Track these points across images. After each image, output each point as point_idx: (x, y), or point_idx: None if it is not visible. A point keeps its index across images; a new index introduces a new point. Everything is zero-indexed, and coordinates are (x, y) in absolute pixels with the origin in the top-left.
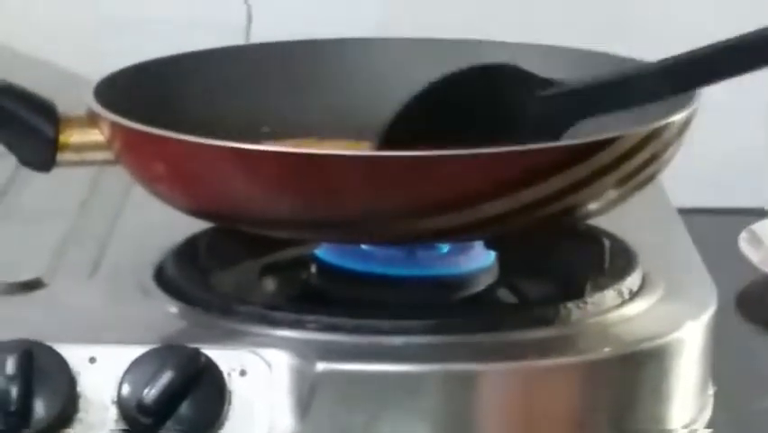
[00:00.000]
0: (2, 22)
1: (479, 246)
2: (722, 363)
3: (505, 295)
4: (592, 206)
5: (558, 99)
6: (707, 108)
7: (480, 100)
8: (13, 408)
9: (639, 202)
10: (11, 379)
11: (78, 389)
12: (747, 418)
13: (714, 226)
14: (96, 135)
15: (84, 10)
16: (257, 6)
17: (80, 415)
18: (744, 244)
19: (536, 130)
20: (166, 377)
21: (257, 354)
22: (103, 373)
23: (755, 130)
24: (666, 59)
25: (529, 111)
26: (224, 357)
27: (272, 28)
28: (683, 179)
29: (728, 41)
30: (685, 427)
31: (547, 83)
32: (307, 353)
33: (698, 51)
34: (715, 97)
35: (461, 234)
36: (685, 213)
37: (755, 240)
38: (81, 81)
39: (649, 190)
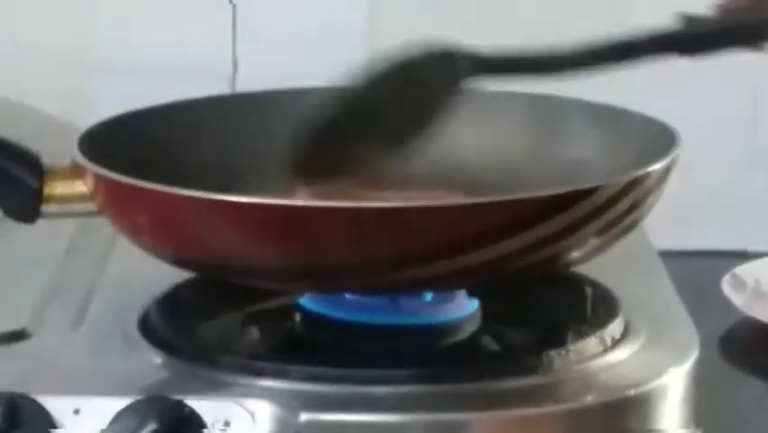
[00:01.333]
0: None
1: (461, 295)
2: (705, 407)
3: (488, 343)
4: (574, 254)
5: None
6: (688, 150)
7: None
8: None
9: (620, 245)
10: None
11: None
12: None
13: (696, 269)
14: (80, 187)
15: (70, 58)
16: (243, 55)
17: None
18: (727, 287)
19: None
20: (149, 428)
21: (240, 405)
22: (87, 425)
23: (737, 172)
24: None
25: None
26: (207, 408)
27: (259, 75)
28: (665, 222)
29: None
30: None
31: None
32: (291, 403)
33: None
34: (697, 140)
35: (444, 284)
36: (667, 256)
37: (739, 283)
38: (67, 129)
39: (630, 234)
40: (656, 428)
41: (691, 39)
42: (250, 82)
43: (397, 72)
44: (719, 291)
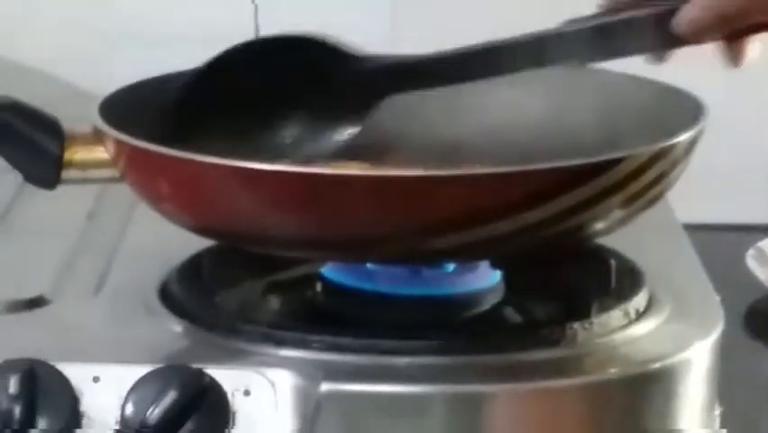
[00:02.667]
0: (8, 36)
1: (484, 266)
2: (729, 382)
3: (510, 315)
4: (599, 226)
5: (377, 72)
6: (714, 124)
7: (285, 71)
8: (16, 427)
9: (645, 219)
10: (14, 398)
11: (82, 408)
12: None
13: (721, 243)
14: (101, 153)
15: (91, 25)
16: (264, 20)
17: None
18: (751, 261)
19: (349, 100)
20: (170, 397)
21: (261, 374)
22: (106, 393)
23: (763, 145)
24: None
25: (341, 82)
26: (227, 377)
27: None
28: (690, 195)
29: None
30: None
31: (357, 57)
32: (312, 373)
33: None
34: (723, 113)
35: (467, 254)
36: (692, 229)
37: (763, 257)
38: (87, 96)
39: (655, 207)
40: (680, 402)
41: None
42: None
43: (248, 51)
44: (744, 265)
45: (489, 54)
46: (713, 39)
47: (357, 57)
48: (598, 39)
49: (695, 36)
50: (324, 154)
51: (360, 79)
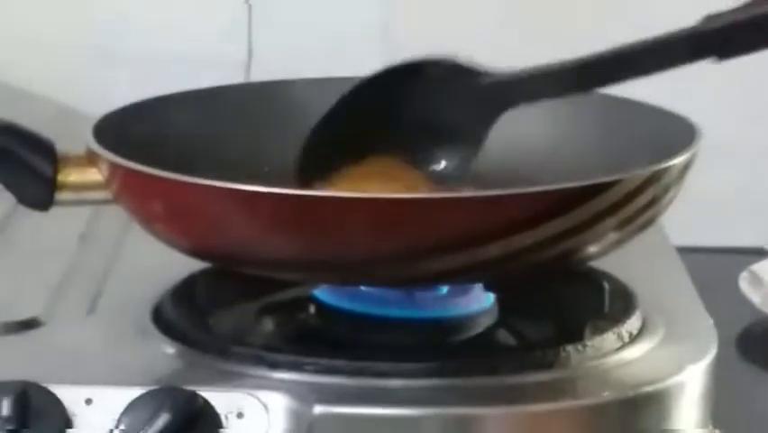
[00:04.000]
0: (3, 58)
1: (478, 288)
2: (722, 405)
3: (504, 337)
4: (592, 249)
5: (485, 90)
6: (707, 147)
7: (403, 100)
8: None
9: (638, 242)
10: (6, 420)
11: (74, 430)
12: None
13: (714, 266)
14: (94, 175)
15: (86, 46)
16: (258, 43)
17: None
18: (744, 284)
19: (463, 122)
20: (162, 419)
21: (254, 397)
22: (99, 415)
23: (756, 169)
24: (586, 56)
25: (455, 104)
26: (221, 399)
27: (273, 63)
28: (683, 218)
29: (645, 40)
30: None
31: (474, 73)
32: (305, 395)
33: (616, 49)
34: (716, 137)
35: (460, 277)
36: (684, 252)
37: (756, 280)
38: (80, 119)
39: (649, 230)
40: (673, 427)
41: (715, 37)
42: (265, 71)
43: (399, 75)
44: (737, 289)
45: (609, 62)
46: None
47: (476, 73)
48: (736, 36)
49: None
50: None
51: (477, 97)
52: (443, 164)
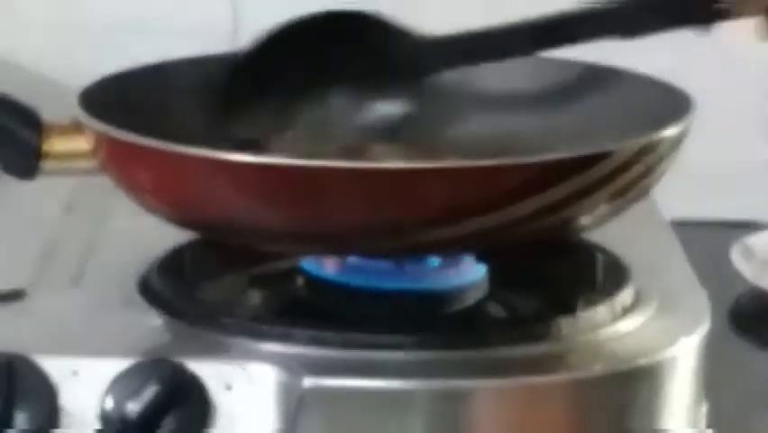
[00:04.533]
0: None
1: (469, 260)
2: (714, 378)
3: (495, 310)
4: (584, 220)
5: (424, 48)
6: (700, 120)
7: (335, 46)
8: None
9: (631, 214)
10: None
11: (60, 403)
12: None
13: (706, 239)
14: (80, 143)
15: (69, 16)
16: (243, 12)
17: (62, 429)
18: (736, 257)
19: (397, 75)
20: (150, 391)
21: (242, 369)
22: (85, 387)
23: (749, 142)
24: (535, 18)
25: (388, 58)
26: (209, 371)
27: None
28: (675, 191)
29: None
30: None
31: (405, 33)
32: (294, 367)
33: (566, 13)
34: (709, 109)
35: (452, 248)
36: (677, 225)
37: (748, 253)
38: (66, 88)
39: (642, 202)
40: (666, 398)
41: (623, 16)
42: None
43: (292, 30)
44: (728, 261)
45: (541, 28)
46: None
47: (405, 33)
48: (653, 10)
49: (739, 12)
50: (372, 134)
51: (408, 56)
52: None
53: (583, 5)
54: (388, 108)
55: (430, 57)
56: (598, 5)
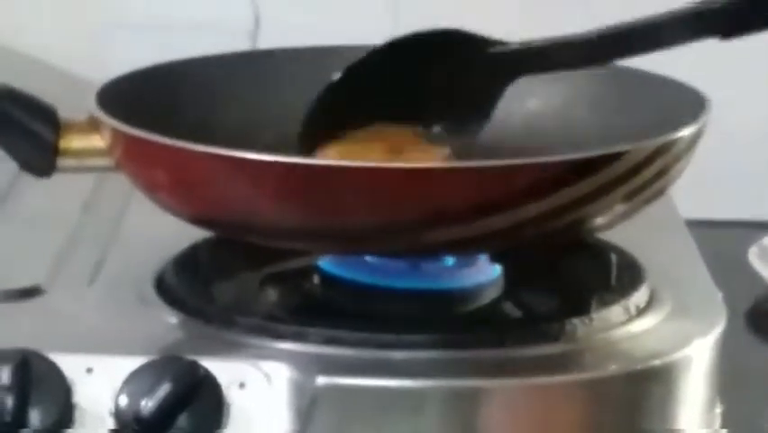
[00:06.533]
0: (5, 23)
1: (484, 259)
2: (729, 380)
3: (510, 309)
4: (600, 220)
5: (500, 58)
6: (718, 119)
7: (411, 71)
8: (7, 418)
9: (647, 214)
10: (6, 389)
11: (75, 400)
12: None
13: (723, 239)
14: (97, 141)
15: (88, 13)
16: (264, 10)
17: (76, 426)
18: (753, 258)
19: (470, 92)
20: (164, 389)
21: (256, 367)
22: (100, 384)
23: (766, 142)
24: (603, 29)
25: (468, 72)
26: (223, 369)
27: (280, 32)
28: (692, 191)
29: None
30: None
31: (482, 42)
32: (308, 366)
33: (637, 22)
34: (727, 108)
35: (467, 248)
36: (694, 225)
37: (766, 254)
38: (84, 85)
39: (657, 202)
40: (679, 399)
41: (725, 15)
42: (272, 39)
43: (408, 45)
44: (746, 262)
45: (623, 35)
46: None
47: (485, 43)
48: (725, 16)
49: None
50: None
51: (486, 66)
52: (448, 133)
53: (664, 13)
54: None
55: (513, 66)
56: (679, 11)
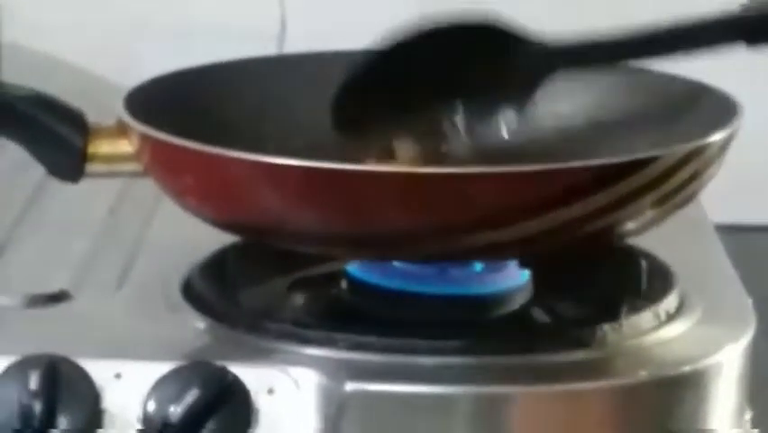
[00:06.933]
0: (34, 27)
1: (513, 265)
2: (758, 385)
3: (539, 315)
4: (630, 225)
5: (537, 55)
6: (747, 123)
7: (447, 59)
8: (36, 424)
9: (676, 219)
10: (35, 395)
11: (103, 405)
12: None
13: (753, 244)
14: (125, 146)
15: (117, 17)
16: (291, 14)
17: (104, 432)
18: None
19: (512, 84)
20: (192, 395)
21: (285, 373)
22: (128, 390)
23: None
24: (642, 29)
25: (507, 65)
26: (251, 375)
27: (306, 36)
28: (723, 196)
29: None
30: None
31: (518, 38)
32: (337, 372)
33: (678, 22)
34: (758, 113)
35: (496, 253)
36: (723, 230)
37: None
38: (112, 90)
39: (687, 207)
40: (709, 406)
41: (757, 24)
42: (298, 43)
43: (431, 37)
44: None
45: (663, 35)
46: None
47: (521, 39)
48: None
49: None
50: (489, 140)
51: (528, 64)
52: (483, 131)
53: (701, 15)
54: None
55: (550, 63)
56: (718, 14)
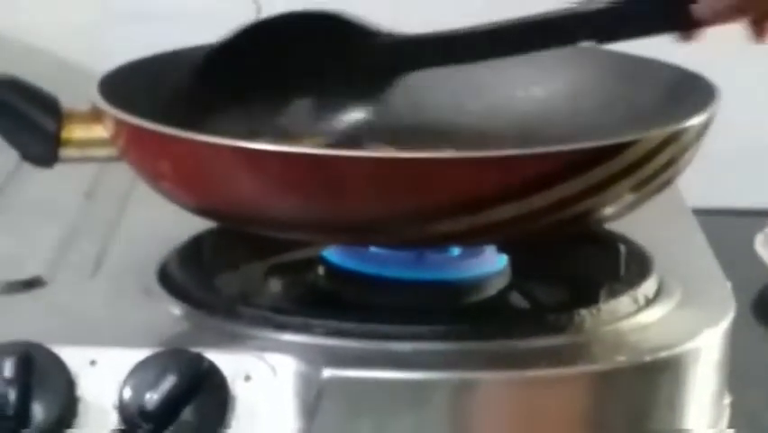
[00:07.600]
0: (7, 14)
1: (490, 250)
2: (737, 369)
3: (516, 300)
4: (608, 210)
5: (392, 48)
6: (723, 107)
7: (301, 46)
8: (10, 412)
9: (654, 203)
10: (9, 382)
11: (78, 393)
12: (764, 427)
13: (730, 228)
14: (99, 131)
15: (89, 2)
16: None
17: (80, 419)
18: (759, 246)
19: (363, 76)
20: (168, 382)
21: (262, 359)
22: (103, 377)
23: None
24: (497, 22)
25: (355, 59)
26: (228, 362)
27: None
28: (698, 179)
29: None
30: None
31: (372, 33)
32: (314, 358)
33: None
34: (732, 97)
35: (473, 238)
36: (700, 213)
37: None
38: (86, 75)
39: (664, 191)
40: (688, 391)
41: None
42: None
43: (262, 28)
44: (752, 250)
45: (513, 31)
46: (730, 22)
47: (373, 33)
48: (623, 17)
49: (713, 20)
50: (339, 133)
51: (375, 56)
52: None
53: (558, 9)
54: (355, 113)
55: (403, 57)
56: (573, 9)
